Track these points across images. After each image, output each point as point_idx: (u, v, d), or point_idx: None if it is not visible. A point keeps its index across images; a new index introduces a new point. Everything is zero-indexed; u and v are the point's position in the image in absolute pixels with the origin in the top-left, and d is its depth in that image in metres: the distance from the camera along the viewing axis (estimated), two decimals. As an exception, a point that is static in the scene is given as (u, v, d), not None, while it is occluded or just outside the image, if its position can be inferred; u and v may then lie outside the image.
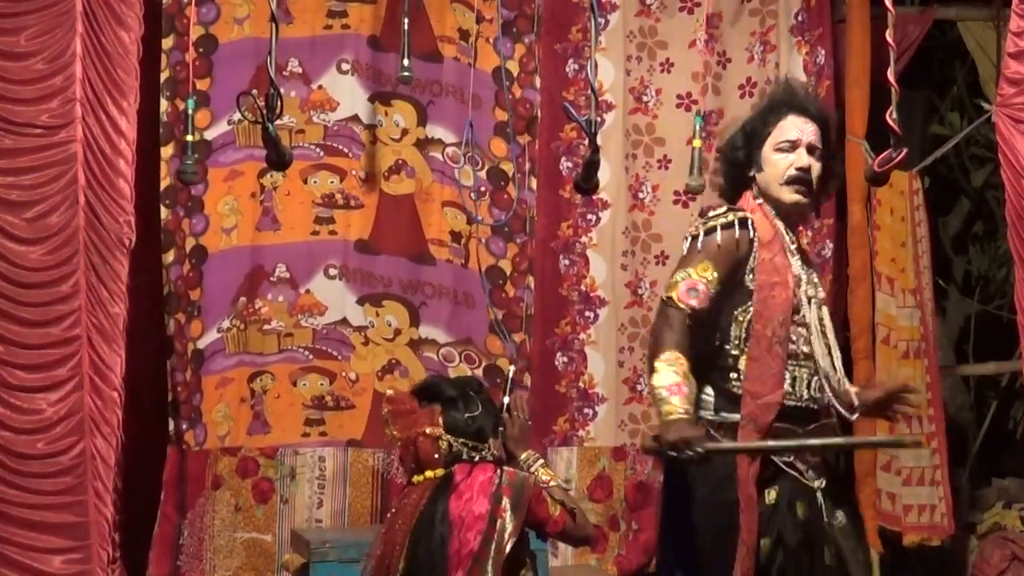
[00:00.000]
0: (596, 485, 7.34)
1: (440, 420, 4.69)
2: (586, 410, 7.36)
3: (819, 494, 4.69)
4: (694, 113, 6.46)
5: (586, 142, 5.88)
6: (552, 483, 4.75)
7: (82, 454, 6.00)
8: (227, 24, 6.94)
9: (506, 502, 4.56)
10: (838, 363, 4.80)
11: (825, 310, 4.82)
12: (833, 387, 4.76)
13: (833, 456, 4.81)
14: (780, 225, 4.81)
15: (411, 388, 4.87)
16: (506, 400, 4.84)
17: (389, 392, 4.85)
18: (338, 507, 7.07)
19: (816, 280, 4.85)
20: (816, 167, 4.80)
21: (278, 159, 5.78)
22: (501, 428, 4.78)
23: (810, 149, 4.81)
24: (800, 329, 4.74)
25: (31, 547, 5.97)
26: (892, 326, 7.44)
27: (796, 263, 4.79)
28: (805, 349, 4.74)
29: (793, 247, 4.82)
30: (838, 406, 4.77)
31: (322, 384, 7.08)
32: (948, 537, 7.49)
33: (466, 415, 4.70)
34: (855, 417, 4.84)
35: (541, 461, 4.81)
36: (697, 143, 6.05)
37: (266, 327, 7.03)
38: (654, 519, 7.32)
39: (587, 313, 7.37)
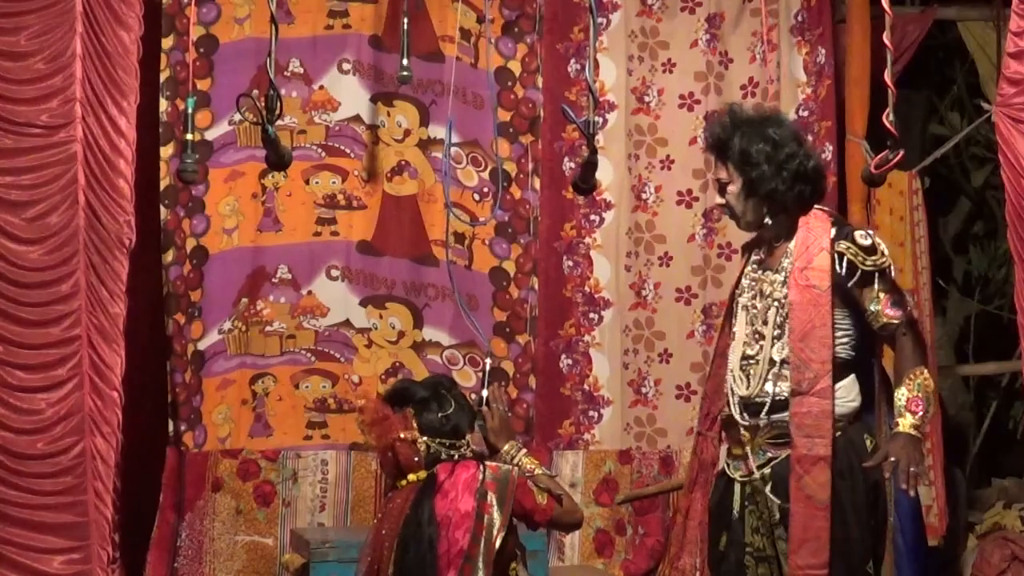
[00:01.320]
0: (602, 489, 7.32)
1: (414, 423, 4.66)
2: (591, 413, 7.33)
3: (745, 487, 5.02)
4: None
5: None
6: (537, 471, 4.75)
7: (82, 454, 5.98)
8: (227, 24, 6.93)
9: (491, 497, 4.55)
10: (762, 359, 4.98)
11: (777, 311, 4.97)
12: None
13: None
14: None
15: (382, 394, 4.85)
16: (485, 393, 4.83)
17: (360, 402, 4.85)
18: (340, 510, 7.06)
19: (771, 284, 5.01)
20: (722, 200, 5.05)
21: (278, 160, 5.78)
22: (480, 422, 4.77)
23: (718, 188, 5.07)
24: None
25: (31, 547, 5.95)
26: (890, 326, 7.43)
27: (747, 275, 5.11)
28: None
29: (756, 260, 5.12)
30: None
31: (324, 386, 7.07)
32: (942, 537, 7.48)
33: (440, 414, 4.68)
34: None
35: (524, 451, 4.80)
36: None
37: (268, 329, 7.03)
38: (660, 523, 7.31)
39: (591, 315, 7.35)
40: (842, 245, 4.87)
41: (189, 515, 6.85)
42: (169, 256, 6.83)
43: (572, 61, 7.34)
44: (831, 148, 7.42)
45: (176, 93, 6.78)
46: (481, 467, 4.60)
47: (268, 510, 6.98)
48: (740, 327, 5.03)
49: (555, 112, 7.18)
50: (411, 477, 4.66)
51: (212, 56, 6.92)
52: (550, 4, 7.31)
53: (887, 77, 5.18)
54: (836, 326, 4.89)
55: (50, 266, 5.99)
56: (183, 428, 6.85)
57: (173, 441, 6.85)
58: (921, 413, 4.77)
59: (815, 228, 4.94)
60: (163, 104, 6.77)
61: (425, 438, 4.65)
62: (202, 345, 6.93)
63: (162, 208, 6.80)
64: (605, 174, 7.00)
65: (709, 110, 7.40)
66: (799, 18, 7.47)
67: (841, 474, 4.84)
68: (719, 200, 5.04)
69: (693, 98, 7.42)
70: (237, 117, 6.78)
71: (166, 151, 6.79)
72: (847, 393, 4.93)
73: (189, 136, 6.14)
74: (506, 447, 4.78)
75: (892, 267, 4.93)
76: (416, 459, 4.64)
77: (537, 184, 7.28)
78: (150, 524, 6.78)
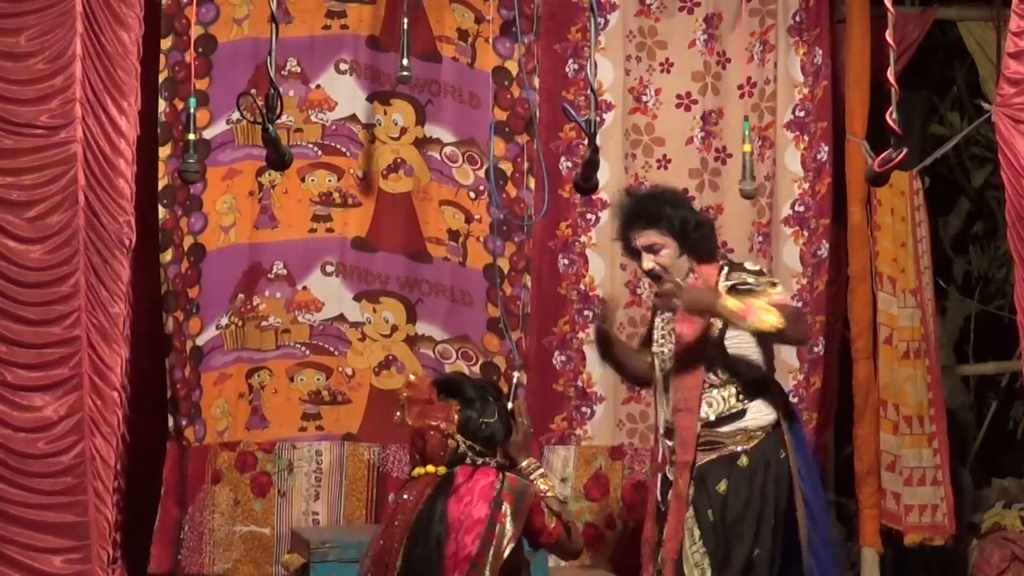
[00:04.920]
0: (593, 484, 7.32)
1: (456, 417, 4.67)
2: (584, 409, 7.34)
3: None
4: (743, 119, 6.55)
5: (585, 142, 5.89)
6: (550, 493, 4.75)
7: (82, 454, 6.00)
8: (226, 24, 6.93)
9: (506, 508, 4.55)
10: None
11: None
12: None
13: None
14: None
15: (433, 379, 4.86)
16: (510, 405, 4.83)
17: (411, 378, 4.81)
18: (334, 500, 7.09)
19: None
20: (651, 264, 5.76)
21: (278, 159, 5.78)
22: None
23: (646, 251, 5.76)
24: None
25: (31, 547, 5.98)
26: (894, 326, 7.43)
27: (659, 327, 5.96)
28: None
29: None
30: None
31: (319, 379, 7.10)
32: (950, 537, 7.49)
33: (481, 420, 4.68)
34: None
35: (541, 470, 4.81)
36: (747, 147, 6.16)
37: (264, 323, 7.05)
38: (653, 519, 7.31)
39: (586, 312, 7.34)
40: (734, 276, 5.64)
41: (191, 508, 6.89)
42: (168, 255, 6.83)
43: (570, 61, 7.34)
44: (827, 149, 7.41)
45: (174, 93, 6.77)
46: (500, 476, 4.60)
47: (264, 500, 7.02)
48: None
49: (552, 112, 7.18)
50: (430, 468, 4.65)
51: (211, 56, 6.91)
52: (548, 4, 7.29)
53: (890, 75, 5.18)
54: (744, 350, 5.65)
55: (50, 266, 6.00)
56: (183, 423, 6.87)
57: (174, 436, 6.87)
58: (742, 307, 5.44)
59: (704, 274, 5.70)
60: (161, 104, 6.75)
61: (459, 436, 4.65)
62: (200, 341, 6.95)
63: (160, 207, 6.80)
64: (602, 173, 6.94)
65: (707, 110, 7.39)
66: (797, 18, 7.45)
67: (751, 477, 5.59)
68: (648, 264, 5.72)
69: (690, 98, 7.41)
70: (235, 116, 6.78)
71: (164, 151, 6.78)
72: (762, 408, 5.66)
73: (191, 136, 6.16)
74: (525, 463, 4.79)
75: (779, 284, 5.76)
76: (441, 453, 4.64)
77: (532, 183, 7.28)
78: (151, 520, 6.79)
